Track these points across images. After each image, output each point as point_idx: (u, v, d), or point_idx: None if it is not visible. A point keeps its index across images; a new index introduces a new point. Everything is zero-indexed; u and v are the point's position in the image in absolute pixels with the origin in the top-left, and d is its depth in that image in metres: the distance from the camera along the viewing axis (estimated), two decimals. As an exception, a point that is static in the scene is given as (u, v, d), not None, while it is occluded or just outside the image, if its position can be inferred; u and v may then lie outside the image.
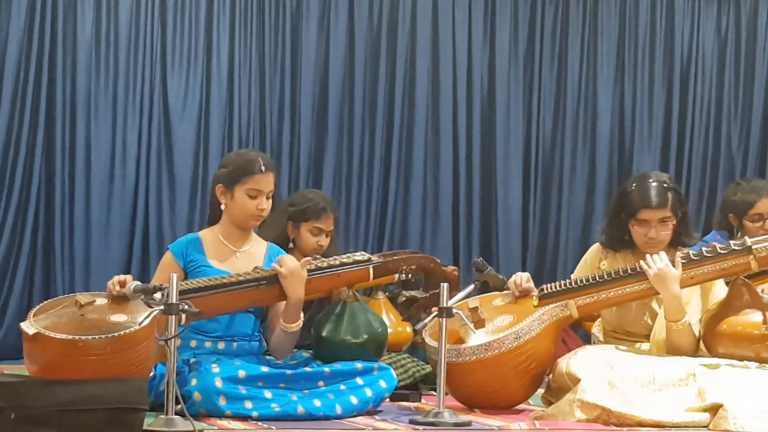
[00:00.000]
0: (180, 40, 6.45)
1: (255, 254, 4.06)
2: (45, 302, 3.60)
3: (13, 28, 6.15)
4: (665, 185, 4.11)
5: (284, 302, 3.95)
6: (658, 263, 3.94)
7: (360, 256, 4.04)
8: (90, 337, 3.29)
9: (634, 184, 4.14)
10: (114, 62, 6.33)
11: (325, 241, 4.78)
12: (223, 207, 4.00)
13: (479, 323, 3.94)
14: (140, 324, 3.35)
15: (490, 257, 6.72)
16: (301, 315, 3.95)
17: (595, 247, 4.31)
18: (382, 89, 6.77)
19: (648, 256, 3.99)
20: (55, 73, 6.22)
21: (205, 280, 3.78)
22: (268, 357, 4.06)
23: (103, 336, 3.30)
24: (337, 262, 3.99)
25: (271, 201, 4.03)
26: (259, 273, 3.84)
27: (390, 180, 6.75)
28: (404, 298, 4.47)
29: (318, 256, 4.08)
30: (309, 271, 3.92)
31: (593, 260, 4.27)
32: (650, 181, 4.12)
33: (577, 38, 7.08)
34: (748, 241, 4.00)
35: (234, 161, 4.06)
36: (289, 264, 3.87)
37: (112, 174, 6.30)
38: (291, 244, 4.74)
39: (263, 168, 3.97)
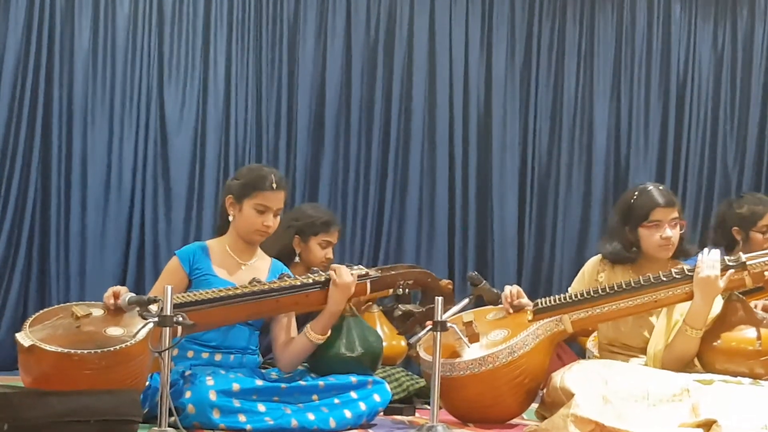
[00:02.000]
0: (177, 51, 6.46)
1: (259, 268, 4.07)
2: (41, 312, 3.58)
3: (11, 38, 6.15)
4: (667, 189, 4.19)
5: (284, 317, 3.98)
6: (710, 270, 3.93)
7: (357, 270, 4.05)
8: (85, 351, 3.27)
9: (636, 193, 4.18)
10: (111, 73, 6.33)
11: (331, 253, 4.83)
12: (231, 218, 4.03)
13: (473, 337, 3.94)
14: (135, 338, 3.34)
15: (486, 271, 6.73)
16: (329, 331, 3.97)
17: (594, 260, 4.31)
18: (378, 102, 6.78)
19: (703, 257, 3.98)
20: (52, 84, 6.22)
21: (202, 293, 3.77)
22: (263, 370, 4.06)
23: (99, 350, 3.28)
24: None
25: (278, 219, 4.05)
26: (256, 285, 3.84)
27: (386, 193, 6.75)
28: (400, 312, 4.46)
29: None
30: (306, 285, 3.93)
31: (591, 273, 4.28)
32: (651, 187, 4.18)
33: (574, 53, 7.10)
34: (743, 257, 4.00)
35: (247, 175, 4.09)
36: (345, 276, 3.92)
37: (108, 185, 6.30)
38: (297, 258, 4.76)
39: (274, 185, 4.00)
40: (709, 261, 3.96)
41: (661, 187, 4.18)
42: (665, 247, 4.11)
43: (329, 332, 3.95)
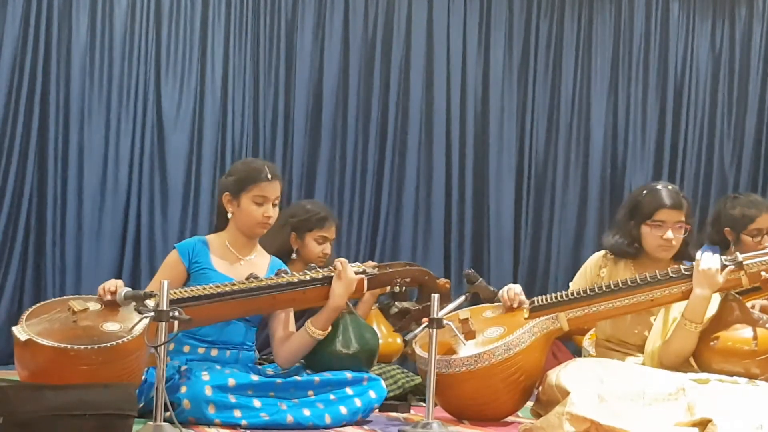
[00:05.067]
0: (174, 47, 6.45)
1: (258, 264, 4.07)
2: (37, 305, 3.58)
3: (8, 33, 6.14)
4: (677, 191, 4.16)
5: (282, 312, 3.98)
6: (710, 263, 3.94)
7: (355, 267, 4.04)
8: (82, 347, 3.27)
9: (645, 191, 4.18)
10: (108, 69, 6.33)
11: (328, 249, 4.82)
12: (230, 215, 4.02)
13: (469, 335, 3.94)
14: (131, 334, 3.34)
15: (482, 269, 6.73)
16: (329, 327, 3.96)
17: (597, 255, 4.31)
18: (375, 100, 6.78)
19: (702, 254, 3.99)
20: (49, 80, 6.21)
21: (198, 289, 3.77)
22: (259, 366, 4.06)
23: (95, 346, 3.29)
24: (332, 274, 3.99)
25: (277, 209, 4.05)
26: (253, 282, 3.84)
27: (383, 191, 6.75)
28: (396, 310, 4.45)
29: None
30: (304, 282, 3.92)
31: (593, 268, 4.28)
32: (661, 186, 4.17)
33: (572, 52, 7.10)
34: (740, 256, 4.00)
35: (240, 169, 4.09)
36: (349, 272, 3.92)
37: (105, 180, 6.29)
38: (294, 255, 4.75)
39: (269, 176, 4.00)
40: (709, 255, 3.97)
41: (671, 188, 4.17)
42: (664, 247, 4.11)
43: (330, 328, 3.95)
